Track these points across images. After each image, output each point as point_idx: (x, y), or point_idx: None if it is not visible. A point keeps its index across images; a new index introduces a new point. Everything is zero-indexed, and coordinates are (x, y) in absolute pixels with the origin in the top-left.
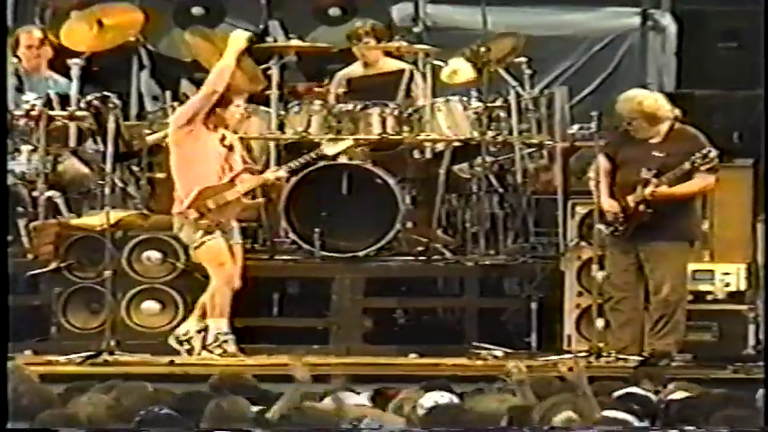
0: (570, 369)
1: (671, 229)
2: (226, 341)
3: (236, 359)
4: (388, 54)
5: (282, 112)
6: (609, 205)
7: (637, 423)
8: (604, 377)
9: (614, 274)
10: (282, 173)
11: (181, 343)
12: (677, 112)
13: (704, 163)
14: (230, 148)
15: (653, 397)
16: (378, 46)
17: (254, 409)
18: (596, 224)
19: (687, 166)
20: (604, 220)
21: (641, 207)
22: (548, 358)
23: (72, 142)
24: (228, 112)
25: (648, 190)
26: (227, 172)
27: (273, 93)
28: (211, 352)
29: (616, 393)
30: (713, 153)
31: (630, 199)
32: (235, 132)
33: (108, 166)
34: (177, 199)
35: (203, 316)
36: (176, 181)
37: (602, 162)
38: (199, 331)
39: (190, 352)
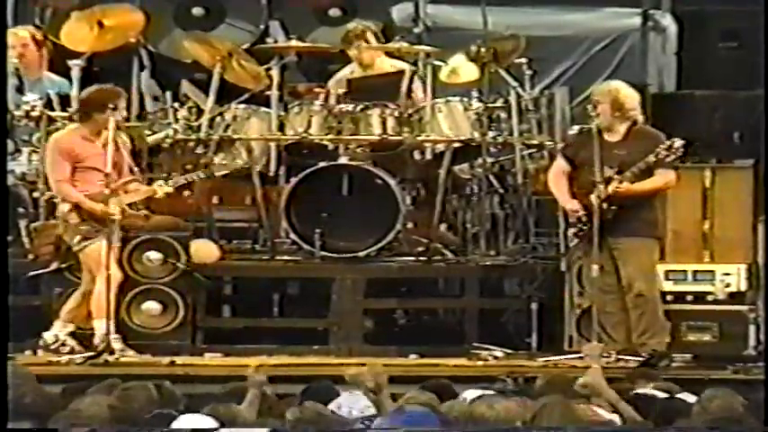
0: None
1: (637, 226)
2: (115, 339)
3: (236, 360)
4: (388, 54)
5: (283, 113)
6: (571, 205)
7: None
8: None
9: (594, 277)
10: (169, 188)
11: (56, 350)
12: (640, 117)
13: (670, 153)
14: (118, 154)
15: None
16: (374, 47)
17: None
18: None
19: (652, 158)
20: (569, 221)
21: (605, 205)
22: (548, 359)
23: None
24: (102, 118)
25: (612, 187)
26: (115, 179)
27: (274, 93)
28: (100, 353)
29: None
30: (678, 143)
31: (593, 197)
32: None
33: (108, 167)
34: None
35: (70, 321)
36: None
37: (561, 163)
38: (70, 333)
39: (72, 351)
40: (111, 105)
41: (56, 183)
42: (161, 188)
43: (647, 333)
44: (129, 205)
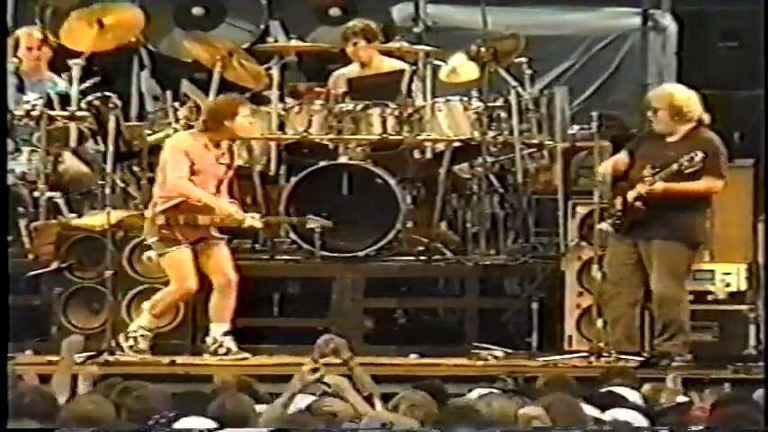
0: None
1: (667, 228)
2: (143, 336)
3: (236, 359)
4: (388, 53)
5: (283, 113)
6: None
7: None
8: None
9: (611, 268)
10: (259, 223)
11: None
12: (706, 117)
13: (690, 166)
14: (229, 167)
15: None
16: (372, 46)
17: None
18: (596, 223)
19: (674, 167)
20: (607, 213)
21: (637, 203)
22: (548, 358)
23: (72, 142)
24: (236, 123)
25: (643, 188)
26: (215, 192)
27: (274, 93)
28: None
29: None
30: (698, 157)
31: (630, 194)
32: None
33: (108, 167)
34: (153, 200)
35: (157, 316)
36: (161, 183)
37: (622, 155)
38: (150, 330)
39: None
40: (243, 110)
41: (175, 179)
42: (252, 220)
43: (664, 335)
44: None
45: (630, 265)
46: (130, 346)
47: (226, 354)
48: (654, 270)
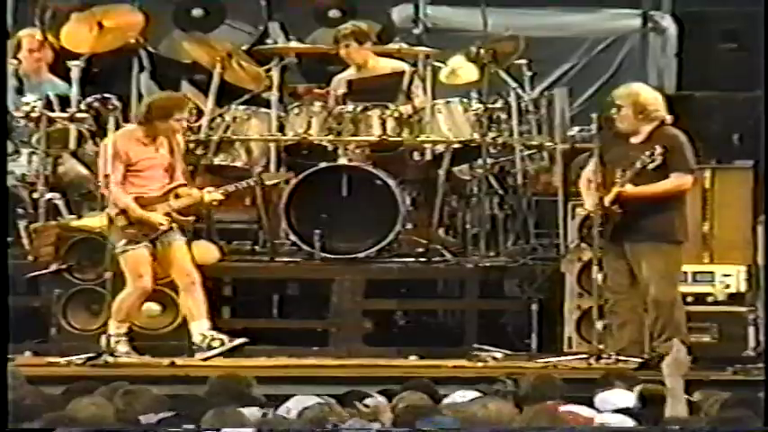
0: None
1: (650, 230)
2: (118, 342)
3: (236, 361)
4: (388, 55)
5: (283, 114)
6: (592, 205)
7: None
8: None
9: (608, 276)
10: (218, 195)
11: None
12: (668, 118)
13: (650, 161)
14: (172, 160)
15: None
16: (366, 48)
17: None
18: (595, 226)
19: (638, 165)
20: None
21: (614, 207)
22: (548, 360)
23: (72, 144)
24: (164, 125)
25: (616, 189)
26: (165, 185)
27: (273, 94)
28: (99, 354)
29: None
30: (658, 151)
31: (606, 199)
32: (178, 144)
33: (108, 168)
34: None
35: (122, 321)
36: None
37: (596, 164)
38: (125, 333)
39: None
40: (178, 113)
41: (104, 181)
42: (210, 194)
43: (662, 337)
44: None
45: (624, 271)
46: (112, 355)
47: (222, 345)
48: (644, 273)
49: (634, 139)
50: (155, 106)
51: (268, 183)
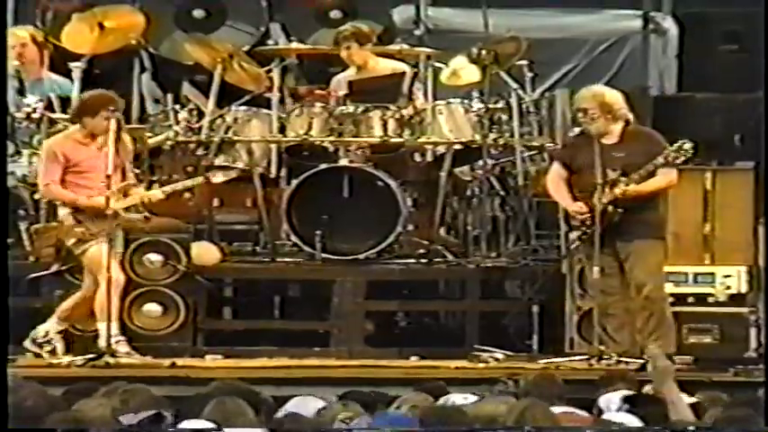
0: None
1: (644, 228)
2: (118, 342)
3: (237, 362)
4: (389, 56)
5: (284, 115)
6: (578, 207)
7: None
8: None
9: (599, 278)
10: (159, 194)
11: (40, 345)
12: (630, 115)
13: (679, 155)
14: (116, 158)
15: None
16: (366, 48)
17: None
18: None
19: (660, 160)
20: (572, 225)
21: (610, 208)
22: (549, 361)
23: None
24: (94, 122)
25: (619, 190)
26: (112, 184)
27: (275, 95)
28: (101, 355)
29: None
30: (688, 144)
31: (598, 200)
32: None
33: (109, 169)
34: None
35: (65, 319)
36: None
37: (558, 169)
38: (59, 332)
39: (53, 352)
40: (104, 111)
41: (43, 186)
42: (155, 194)
43: (654, 335)
44: (128, 209)
45: (616, 271)
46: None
47: (126, 353)
48: (637, 272)
49: (606, 140)
50: (82, 103)
51: (215, 181)
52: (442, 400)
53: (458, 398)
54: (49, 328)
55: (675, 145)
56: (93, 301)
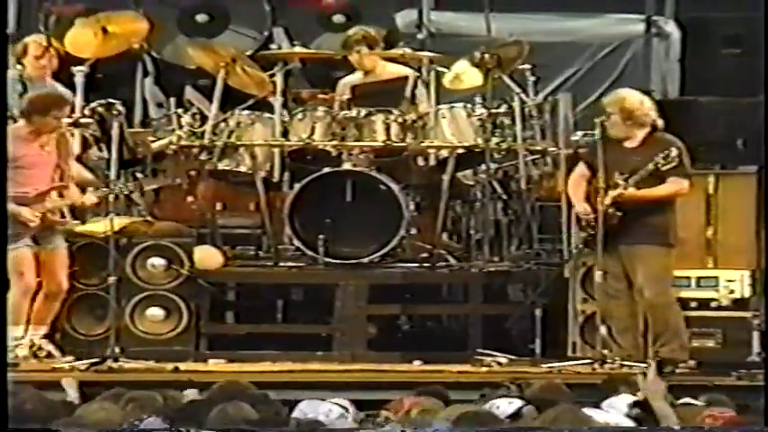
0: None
1: (646, 233)
2: (17, 346)
3: (240, 366)
4: (392, 60)
5: (286, 119)
6: (583, 209)
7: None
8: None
9: (598, 282)
10: (93, 198)
11: (34, 354)
12: (659, 121)
13: (666, 163)
14: (59, 160)
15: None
16: (375, 53)
17: None
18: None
19: (650, 167)
20: (579, 225)
21: (610, 210)
22: (552, 365)
23: (76, 149)
24: (42, 121)
25: (616, 192)
26: (48, 184)
27: (277, 99)
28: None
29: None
30: (674, 153)
31: (600, 202)
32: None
33: (112, 173)
34: None
35: (39, 323)
36: None
37: (582, 168)
38: (45, 336)
39: (49, 356)
40: (55, 110)
41: None
42: (89, 198)
43: (659, 341)
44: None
45: (621, 275)
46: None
47: (47, 357)
48: (637, 276)
49: (628, 144)
50: (32, 101)
51: (147, 188)
52: (487, 405)
53: (503, 403)
54: (30, 335)
55: (661, 154)
56: (51, 301)
